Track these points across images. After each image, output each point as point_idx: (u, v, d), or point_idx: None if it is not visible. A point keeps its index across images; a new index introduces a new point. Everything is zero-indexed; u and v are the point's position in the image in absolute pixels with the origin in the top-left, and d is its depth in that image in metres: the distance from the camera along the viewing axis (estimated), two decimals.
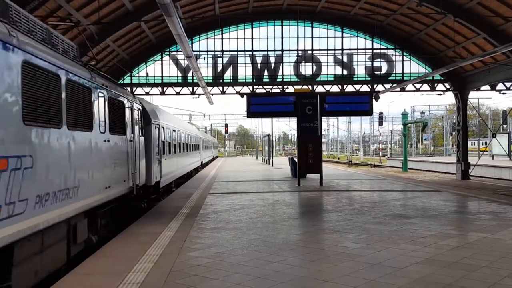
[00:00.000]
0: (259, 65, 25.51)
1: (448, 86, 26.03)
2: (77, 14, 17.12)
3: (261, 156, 51.38)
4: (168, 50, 25.43)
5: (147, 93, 25.88)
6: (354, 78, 25.73)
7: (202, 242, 7.59)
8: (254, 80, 25.40)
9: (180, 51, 21.96)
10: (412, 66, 25.90)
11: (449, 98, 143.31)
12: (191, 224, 9.34)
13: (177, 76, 25.46)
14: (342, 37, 25.95)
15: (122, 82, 25.09)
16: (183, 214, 10.76)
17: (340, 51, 25.84)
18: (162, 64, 25.48)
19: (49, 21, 16.28)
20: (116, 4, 18.75)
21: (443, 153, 67.43)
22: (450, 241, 7.51)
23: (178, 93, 25.63)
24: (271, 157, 37.82)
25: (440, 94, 27.16)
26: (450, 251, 6.78)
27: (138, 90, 25.42)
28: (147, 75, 25.19)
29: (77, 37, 18.89)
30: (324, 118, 72.38)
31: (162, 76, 25.38)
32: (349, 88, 25.72)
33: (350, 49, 25.92)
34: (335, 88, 25.64)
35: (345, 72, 25.73)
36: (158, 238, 7.94)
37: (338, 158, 72.51)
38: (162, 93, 25.56)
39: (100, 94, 8.57)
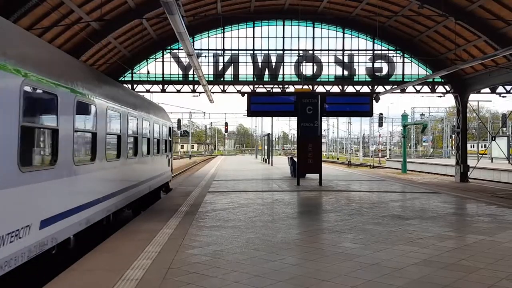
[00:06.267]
0: (260, 64, 25.52)
1: (448, 89, 26.06)
2: (79, 10, 17.12)
3: (261, 155, 51.40)
4: (169, 47, 25.44)
5: (147, 91, 25.89)
6: (355, 79, 25.75)
7: (200, 240, 7.61)
8: (255, 79, 25.41)
9: (182, 49, 21.99)
10: (413, 68, 25.93)
11: (449, 100, 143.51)
12: (190, 222, 9.35)
13: (178, 74, 25.47)
14: (343, 37, 25.97)
15: (123, 80, 25.10)
16: (182, 212, 10.77)
17: (341, 52, 25.85)
18: (163, 61, 25.49)
19: (51, 17, 16.35)
20: (118, 1, 18.75)
21: (443, 155, 67.47)
22: (448, 242, 7.53)
23: (178, 91, 25.64)
24: (270, 157, 37.83)
25: (440, 96, 27.20)
26: (448, 253, 6.80)
27: (139, 88, 25.44)
28: (148, 72, 25.19)
29: (78, 33, 18.90)
30: (324, 119, 72.44)
31: (163, 74, 25.39)
32: (350, 89, 25.75)
33: (351, 50, 25.94)
34: (335, 89, 25.66)
35: (345, 72, 25.75)
36: (157, 235, 7.96)
37: (338, 159, 72.55)
38: (163, 90, 25.58)
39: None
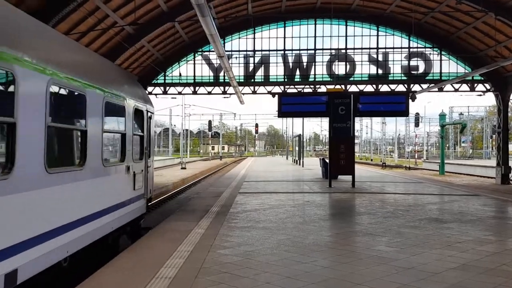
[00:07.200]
0: (291, 64, 25.39)
1: (488, 87, 25.09)
2: (114, 15, 17.52)
3: (291, 156, 51.19)
4: (200, 49, 25.69)
5: (179, 93, 26.30)
6: (390, 78, 25.21)
7: (232, 240, 7.60)
8: (286, 80, 25.30)
9: (213, 51, 22.14)
10: (451, 66, 25.12)
11: (490, 99, 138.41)
12: (221, 222, 9.37)
13: (209, 76, 25.67)
14: (378, 35, 25.47)
15: (155, 82, 25.56)
16: (213, 212, 10.82)
17: (375, 50, 25.36)
18: (194, 63, 25.76)
19: (87, 22, 16.81)
20: (152, 5, 19.07)
21: (483, 156, 65.15)
22: (488, 247, 7.21)
23: (209, 93, 25.84)
24: (301, 158, 37.59)
25: (480, 95, 26.23)
26: (488, 257, 6.50)
27: (171, 90, 25.87)
28: (180, 74, 25.52)
29: (113, 38, 19.34)
30: (357, 119, 71.23)
31: (194, 76, 25.65)
32: (384, 88, 25.22)
33: (385, 48, 25.41)
34: (369, 88, 25.20)
35: (380, 71, 25.24)
36: (189, 235, 8.01)
37: (371, 160, 71.27)
38: (194, 92, 25.86)
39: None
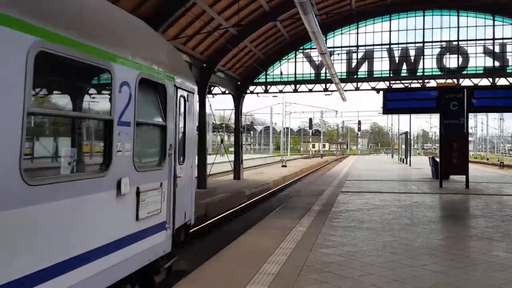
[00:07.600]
0: (397, 58, 24.29)
1: None
2: (218, 17, 18.31)
3: (397, 155, 48.96)
4: (301, 47, 25.73)
5: (280, 91, 26.66)
6: (508, 70, 22.88)
7: (334, 239, 7.49)
8: (391, 75, 24.25)
9: (314, 48, 22.03)
10: None
11: None
12: (323, 221, 9.29)
13: (310, 73, 25.61)
14: (494, 25, 23.27)
15: (257, 81, 26.21)
16: (314, 210, 10.77)
17: (491, 41, 23.18)
18: (295, 61, 25.88)
19: (194, 26, 17.81)
20: (254, 6, 19.57)
21: None
22: None
23: (310, 90, 25.78)
24: (408, 156, 35.79)
25: None
26: None
27: (272, 88, 26.36)
28: (281, 73, 25.84)
29: (218, 40, 20.22)
30: (471, 115, 65.83)
31: (295, 74, 25.78)
32: (502, 82, 22.97)
33: (502, 39, 23.13)
34: (484, 82, 23.12)
35: (496, 63, 23.03)
36: (291, 232, 8.07)
37: (487, 159, 65.23)
38: (295, 90, 25.99)
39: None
